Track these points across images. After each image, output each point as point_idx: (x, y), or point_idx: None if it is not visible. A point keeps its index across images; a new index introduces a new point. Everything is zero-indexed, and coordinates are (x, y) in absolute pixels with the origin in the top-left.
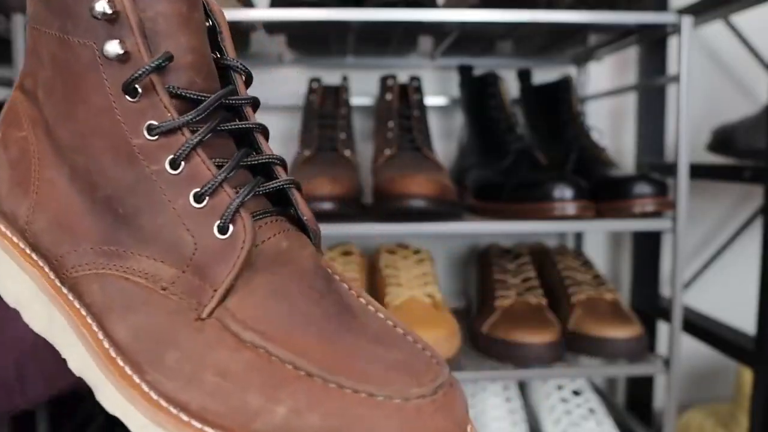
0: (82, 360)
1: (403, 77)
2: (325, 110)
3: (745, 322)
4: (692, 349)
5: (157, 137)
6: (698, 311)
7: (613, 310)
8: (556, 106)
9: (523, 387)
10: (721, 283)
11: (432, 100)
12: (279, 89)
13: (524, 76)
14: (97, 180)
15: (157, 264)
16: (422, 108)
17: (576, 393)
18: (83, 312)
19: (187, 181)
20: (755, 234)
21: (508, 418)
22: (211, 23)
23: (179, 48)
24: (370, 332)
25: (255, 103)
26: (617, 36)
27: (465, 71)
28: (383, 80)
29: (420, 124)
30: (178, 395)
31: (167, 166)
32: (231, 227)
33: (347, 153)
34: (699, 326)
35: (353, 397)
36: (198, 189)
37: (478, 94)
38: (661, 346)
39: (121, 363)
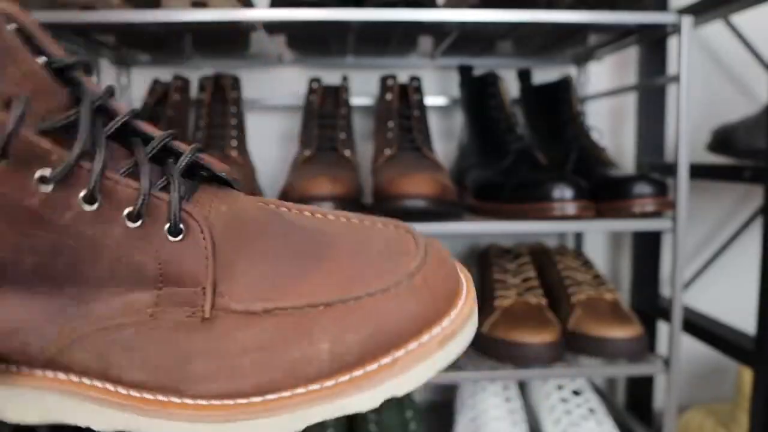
0: (108, 419)
1: (403, 77)
2: (325, 110)
3: (745, 322)
4: (692, 349)
5: (53, 185)
6: (698, 311)
7: (613, 310)
8: (556, 106)
9: (523, 387)
10: (721, 283)
11: (432, 100)
12: (279, 89)
13: (524, 76)
14: (12, 261)
15: (127, 296)
16: (422, 108)
17: (576, 393)
18: (80, 379)
19: (111, 208)
20: (755, 234)
21: (508, 418)
22: (14, 26)
23: (13, 82)
24: (342, 241)
25: (111, 92)
26: (617, 36)
27: (465, 71)
28: (383, 80)
29: (420, 124)
30: (230, 389)
31: (83, 207)
32: (181, 226)
33: (347, 153)
34: (699, 326)
35: (371, 300)
36: (128, 210)
37: (478, 94)
38: (661, 346)
39: (150, 396)
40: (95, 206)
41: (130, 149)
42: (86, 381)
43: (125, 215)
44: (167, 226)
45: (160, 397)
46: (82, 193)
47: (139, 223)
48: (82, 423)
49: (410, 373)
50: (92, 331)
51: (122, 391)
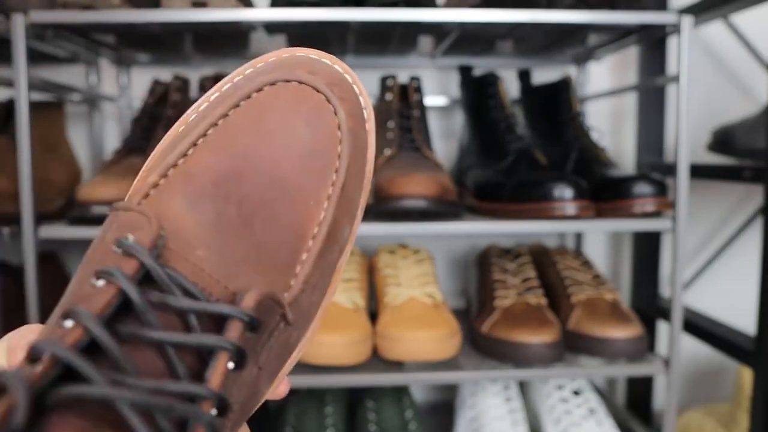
0: None
1: (403, 77)
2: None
3: (745, 322)
4: (692, 349)
5: None
6: (698, 311)
7: (613, 310)
8: (556, 106)
9: (523, 387)
10: (721, 283)
11: (432, 100)
12: None
13: (524, 76)
14: None
15: None
16: (422, 108)
17: (576, 393)
18: None
19: None
20: (755, 234)
21: (508, 418)
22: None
23: None
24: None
25: None
26: (617, 36)
27: (465, 71)
28: (383, 80)
29: (420, 124)
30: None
31: None
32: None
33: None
34: (699, 326)
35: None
36: None
37: (478, 94)
38: (661, 346)
39: None
40: None
41: None
42: None
43: None
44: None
45: None
46: None
47: None
48: None
49: None
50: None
51: None
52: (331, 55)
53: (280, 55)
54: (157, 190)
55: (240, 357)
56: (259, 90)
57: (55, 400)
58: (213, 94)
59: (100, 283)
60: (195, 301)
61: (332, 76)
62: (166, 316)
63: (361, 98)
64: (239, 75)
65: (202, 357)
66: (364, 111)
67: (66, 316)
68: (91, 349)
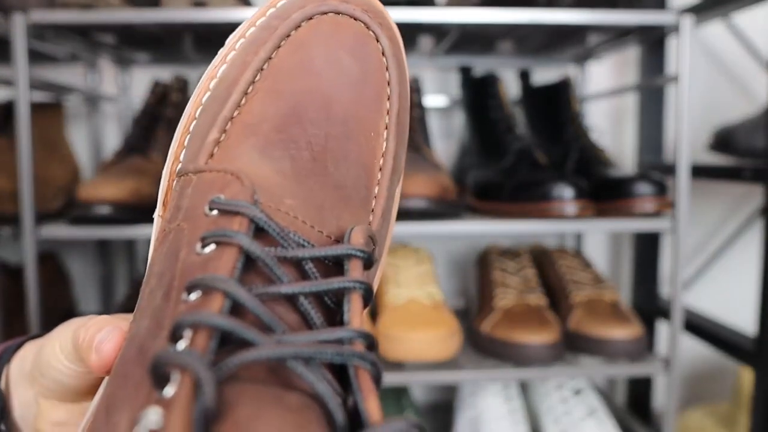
0: None
1: None
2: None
3: (745, 322)
4: (692, 349)
5: None
6: (698, 311)
7: (613, 310)
8: (556, 106)
9: (523, 387)
10: (721, 283)
11: (432, 100)
12: None
13: (524, 76)
14: None
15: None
16: (422, 108)
17: (576, 393)
18: None
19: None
20: (755, 234)
21: (508, 418)
22: None
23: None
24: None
25: None
26: (617, 36)
27: (465, 71)
28: None
29: (420, 124)
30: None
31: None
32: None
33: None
34: (699, 326)
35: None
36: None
37: (478, 94)
38: (661, 346)
39: None
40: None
41: None
42: None
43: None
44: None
45: None
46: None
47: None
48: None
49: None
50: None
51: None
52: None
53: None
54: (221, 146)
55: (368, 294)
56: (298, 27)
57: (225, 371)
58: (238, 39)
59: (209, 249)
60: (312, 248)
61: (364, 2)
62: (285, 269)
63: (391, 20)
64: (262, 16)
65: (327, 306)
66: (397, 33)
67: (192, 288)
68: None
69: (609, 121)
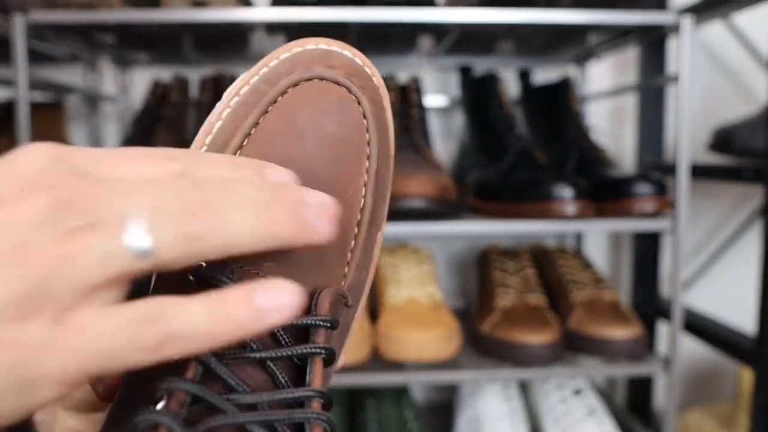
0: None
1: (403, 77)
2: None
3: (745, 322)
4: (692, 349)
5: None
6: (698, 311)
7: (613, 310)
8: (556, 106)
9: (523, 387)
10: (721, 283)
11: (432, 100)
12: None
13: (524, 76)
14: None
15: None
16: (422, 108)
17: (576, 393)
18: None
19: None
20: (755, 234)
21: (508, 418)
22: None
23: None
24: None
25: None
26: (617, 36)
27: (465, 71)
28: (383, 80)
29: (420, 124)
30: None
31: None
32: None
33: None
34: (699, 326)
35: None
36: None
37: (478, 94)
38: (661, 346)
39: None
40: None
41: None
42: None
43: None
44: None
45: None
46: None
47: None
48: None
49: None
50: None
51: None
52: (340, 42)
53: (290, 49)
54: None
55: (330, 357)
56: (284, 93)
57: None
58: (233, 97)
59: None
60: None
61: (348, 66)
62: (259, 335)
63: (375, 80)
64: (255, 75)
65: (294, 364)
66: (381, 92)
67: None
68: (202, 374)
69: (609, 121)
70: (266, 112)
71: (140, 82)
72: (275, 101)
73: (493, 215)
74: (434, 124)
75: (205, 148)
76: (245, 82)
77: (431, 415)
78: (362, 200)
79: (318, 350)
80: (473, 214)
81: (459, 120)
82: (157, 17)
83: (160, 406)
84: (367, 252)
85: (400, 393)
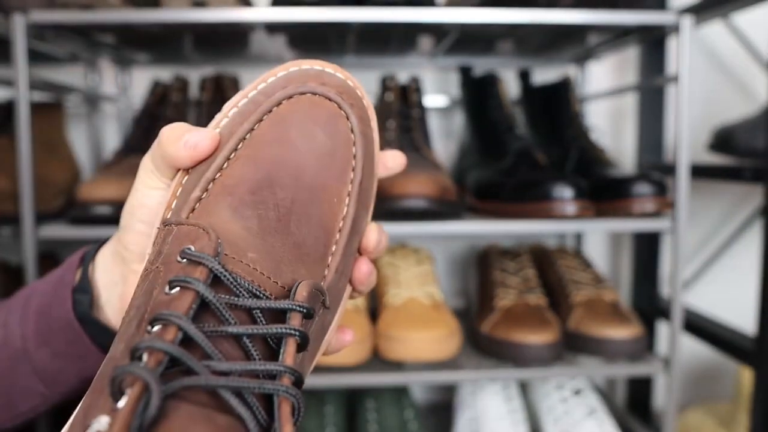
0: None
1: (403, 77)
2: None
3: (745, 322)
4: (692, 349)
5: None
6: (698, 311)
7: (613, 310)
8: (556, 106)
9: (523, 387)
10: (721, 283)
11: (432, 100)
12: None
13: (524, 76)
14: None
15: None
16: (422, 108)
17: (576, 393)
18: None
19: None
20: (755, 234)
21: (508, 418)
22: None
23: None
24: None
25: None
26: (617, 36)
27: (465, 71)
28: (383, 80)
29: (420, 124)
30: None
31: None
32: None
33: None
34: (699, 326)
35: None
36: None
37: (478, 94)
38: (661, 346)
39: None
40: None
41: None
42: None
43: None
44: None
45: None
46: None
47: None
48: None
49: None
50: None
51: None
52: (334, 65)
53: (287, 68)
54: (201, 203)
55: (304, 341)
56: (279, 104)
57: (168, 389)
58: (231, 108)
59: (174, 291)
60: (260, 299)
61: (340, 85)
62: (235, 313)
63: (364, 101)
64: (253, 90)
65: (269, 345)
66: (369, 112)
67: (154, 320)
68: (182, 344)
69: (609, 121)
70: (261, 119)
71: (140, 82)
72: (270, 110)
73: (493, 215)
74: (434, 124)
75: None
76: (243, 95)
77: (431, 415)
78: (345, 208)
79: (292, 331)
80: (473, 214)
81: (459, 120)
82: (157, 17)
83: (140, 364)
84: (346, 259)
85: (400, 393)
